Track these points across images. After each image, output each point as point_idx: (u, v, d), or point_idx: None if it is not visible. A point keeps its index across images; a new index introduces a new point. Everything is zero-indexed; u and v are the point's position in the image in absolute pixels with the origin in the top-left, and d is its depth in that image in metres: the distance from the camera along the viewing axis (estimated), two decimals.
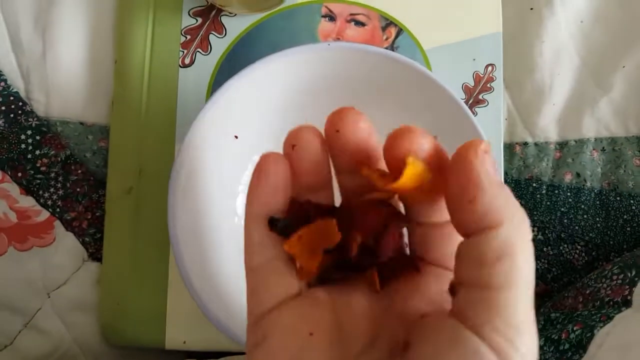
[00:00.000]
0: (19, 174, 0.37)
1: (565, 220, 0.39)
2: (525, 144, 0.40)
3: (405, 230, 0.21)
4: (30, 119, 0.37)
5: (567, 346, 0.31)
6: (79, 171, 0.37)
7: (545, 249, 0.39)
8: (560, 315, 0.35)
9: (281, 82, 0.31)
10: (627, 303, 0.32)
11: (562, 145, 0.40)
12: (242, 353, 0.30)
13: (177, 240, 0.29)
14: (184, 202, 0.30)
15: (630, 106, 0.39)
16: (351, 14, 0.37)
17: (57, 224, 0.37)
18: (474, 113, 0.37)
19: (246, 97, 0.31)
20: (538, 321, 0.36)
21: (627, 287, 0.32)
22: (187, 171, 0.30)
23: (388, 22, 0.37)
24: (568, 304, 0.36)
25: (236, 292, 0.32)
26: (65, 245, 0.37)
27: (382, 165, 0.21)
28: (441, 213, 0.20)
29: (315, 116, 0.34)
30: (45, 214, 0.37)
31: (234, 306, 0.31)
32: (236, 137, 0.33)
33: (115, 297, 0.36)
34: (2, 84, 0.37)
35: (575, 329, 0.32)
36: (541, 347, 0.33)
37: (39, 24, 0.37)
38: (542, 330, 0.35)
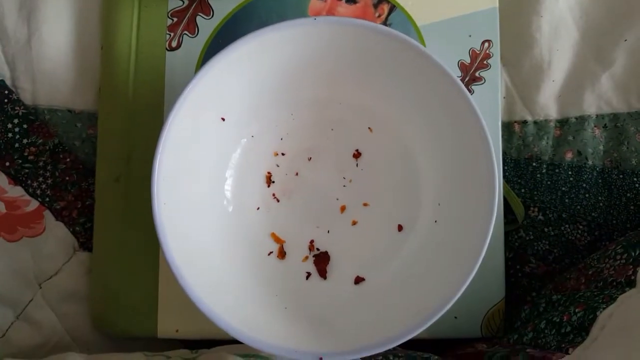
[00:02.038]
0: (7, 164, 0.36)
1: (567, 200, 0.38)
2: (524, 122, 0.39)
3: None
4: (17, 108, 0.37)
5: (568, 329, 0.31)
6: (68, 159, 0.37)
7: (546, 229, 0.38)
8: (562, 297, 0.34)
9: (268, 60, 0.31)
10: (631, 283, 0.31)
11: (562, 122, 0.38)
12: (235, 341, 0.29)
13: (163, 226, 0.28)
14: (168, 188, 0.29)
15: (632, 81, 0.38)
16: None
17: (47, 213, 0.36)
18: (470, 91, 0.36)
19: (230, 77, 0.30)
20: (539, 304, 0.35)
21: (631, 266, 0.31)
22: (170, 155, 0.29)
23: None
24: (570, 286, 0.35)
25: (226, 277, 0.31)
26: (56, 235, 0.36)
27: None
28: None
29: (304, 95, 0.33)
30: (34, 204, 0.36)
31: (224, 292, 0.30)
32: (223, 119, 0.32)
33: (106, 286, 0.35)
34: None
35: (577, 310, 0.31)
36: (542, 330, 0.32)
37: (23, 11, 0.37)
38: (543, 313, 0.34)
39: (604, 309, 0.30)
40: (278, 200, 0.34)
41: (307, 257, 0.34)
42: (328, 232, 0.34)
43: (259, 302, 0.31)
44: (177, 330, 0.35)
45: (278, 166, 0.34)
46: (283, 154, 0.34)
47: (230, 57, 0.29)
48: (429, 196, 0.33)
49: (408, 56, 0.30)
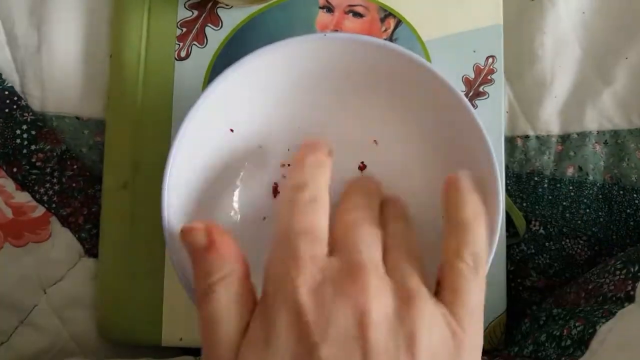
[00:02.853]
0: (15, 169, 0.36)
1: (568, 215, 0.39)
2: (527, 137, 0.39)
3: None
4: (26, 114, 0.37)
5: (568, 342, 0.31)
6: (75, 166, 0.37)
7: (547, 243, 0.39)
8: (562, 311, 0.34)
9: (277, 74, 0.31)
10: (630, 298, 0.31)
11: (564, 138, 0.39)
12: None
13: (171, 236, 0.28)
14: (177, 198, 0.29)
15: (633, 98, 0.38)
16: (349, 5, 0.37)
17: (53, 219, 0.37)
18: (474, 106, 0.36)
19: (241, 89, 0.31)
20: (540, 317, 0.35)
21: (630, 282, 0.32)
22: (180, 166, 0.29)
23: (387, 14, 0.37)
24: (570, 300, 0.35)
25: None
26: (62, 241, 0.37)
27: None
28: None
29: (311, 108, 0.34)
30: (41, 210, 0.37)
31: None
32: (232, 130, 0.32)
33: (112, 293, 0.35)
34: None
35: (577, 324, 0.31)
36: (542, 344, 0.32)
37: (33, 18, 0.37)
38: (543, 326, 0.34)
39: (603, 323, 0.30)
40: None
41: None
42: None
43: None
44: (181, 339, 0.35)
45: (284, 177, 0.35)
46: (289, 165, 0.35)
47: (243, 70, 0.29)
48: (434, 209, 0.33)
49: (413, 72, 0.31)
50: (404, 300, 0.23)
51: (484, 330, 0.35)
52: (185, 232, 0.26)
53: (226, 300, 0.24)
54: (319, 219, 0.25)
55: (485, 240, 0.26)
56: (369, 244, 0.25)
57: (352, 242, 0.25)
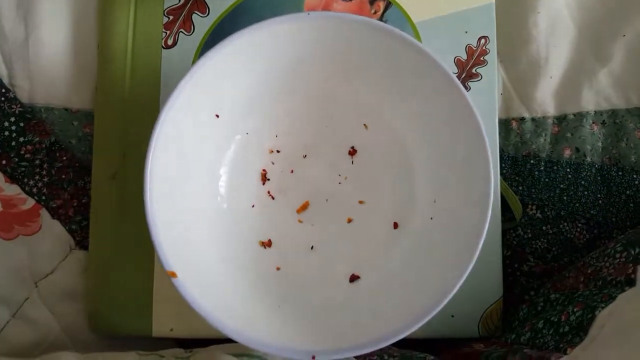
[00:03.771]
0: (4, 162, 0.36)
1: (565, 198, 0.38)
2: (522, 119, 0.38)
3: None
4: (14, 106, 0.37)
5: (567, 328, 0.30)
6: (64, 158, 0.37)
7: (544, 227, 0.38)
8: (560, 296, 0.33)
9: (262, 55, 0.30)
10: (630, 282, 0.30)
11: (560, 119, 0.38)
12: (229, 341, 0.29)
13: (154, 222, 0.28)
14: (162, 184, 0.29)
15: (631, 76, 0.37)
16: None
17: (43, 211, 0.36)
18: (467, 88, 0.35)
19: (225, 72, 0.30)
20: (537, 303, 0.34)
21: (631, 265, 0.31)
22: (164, 152, 0.29)
23: None
24: (569, 284, 0.34)
25: (219, 275, 0.31)
26: (52, 234, 0.36)
27: None
28: None
29: (299, 92, 0.33)
30: (30, 202, 0.36)
31: (219, 290, 0.30)
32: (217, 115, 0.32)
33: (102, 285, 0.35)
34: None
35: (575, 310, 0.30)
36: (540, 330, 0.31)
37: (20, 10, 0.37)
38: (541, 312, 0.33)
39: (602, 308, 0.29)
40: (273, 198, 0.34)
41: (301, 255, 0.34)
42: (323, 229, 0.34)
43: (253, 301, 0.31)
44: (171, 330, 0.35)
45: (273, 163, 0.34)
46: (278, 151, 0.34)
47: (224, 52, 0.29)
48: (425, 193, 0.33)
49: (403, 52, 0.30)
50: None
51: (480, 317, 0.35)
52: None
53: None
54: None
55: None
56: None
57: None
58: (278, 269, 0.33)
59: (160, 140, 0.28)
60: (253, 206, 0.34)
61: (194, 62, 0.36)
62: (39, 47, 0.37)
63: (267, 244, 0.34)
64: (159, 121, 0.28)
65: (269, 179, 0.34)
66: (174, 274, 0.28)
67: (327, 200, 0.34)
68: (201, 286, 0.29)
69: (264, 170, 0.34)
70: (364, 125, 0.34)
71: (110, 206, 0.35)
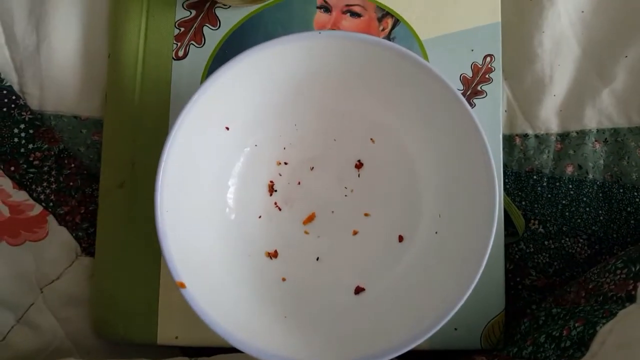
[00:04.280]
0: (12, 168, 0.37)
1: (567, 213, 0.38)
2: (526, 135, 0.39)
3: None
4: (24, 113, 0.37)
5: (568, 343, 0.30)
6: (73, 165, 0.37)
7: (546, 242, 0.38)
8: (561, 310, 0.34)
9: (272, 72, 0.31)
10: (631, 298, 0.31)
11: (563, 136, 0.39)
12: (234, 350, 0.29)
13: (165, 233, 0.28)
14: (172, 196, 0.29)
15: (633, 96, 0.38)
16: (347, 5, 0.37)
17: (51, 218, 0.37)
18: (472, 104, 0.36)
19: (235, 88, 0.31)
20: (539, 317, 0.35)
21: (632, 281, 0.31)
22: (175, 163, 0.29)
23: (384, 13, 0.37)
24: (570, 299, 0.35)
25: (226, 285, 0.31)
26: (59, 240, 0.37)
27: None
28: None
29: (308, 106, 0.34)
30: (38, 208, 0.37)
31: (226, 301, 0.30)
32: (227, 128, 0.32)
33: (108, 292, 0.35)
34: None
35: (577, 325, 0.31)
36: (542, 344, 0.32)
37: (32, 18, 0.37)
38: (542, 326, 0.34)
39: (604, 324, 0.29)
40: (280, 209, 0.35)
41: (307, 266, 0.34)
42: (329, 241, 0.34)
43: (258, 311, 0.31)
44: (176, 337, 0.35)
45: (281, 175, 0.35)
46: (286, 163, 0.35)
47: (237, 68, 0.29)
48: (430, 207, 0.33)
49: (410, 70, 0.31)
50: None
51: (483, 330, 0.35)
52: None
53: None
54: None
55: None
56: None
57: None
58: (284, 279, 0.33)
59: (172, 152, 0.29)
60: (260, 217, 0.34)
61: (204, 74, 0.36)
62: (50, 55, 0.37)
63: (273, 255, 0.34)
64: (171, 135, 0.28)
65: (276, 190, 0.35)
66: (183, 285, 0.28)
67: (333, 212, 0.35)
68: (208, 296, 0.29)
69: (271, 181, 0.34)
70: (371, 139, 0.35)
71: (118, 215, 0.36)
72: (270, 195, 0.34)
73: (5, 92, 0.37)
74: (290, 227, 0.34)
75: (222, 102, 0.31)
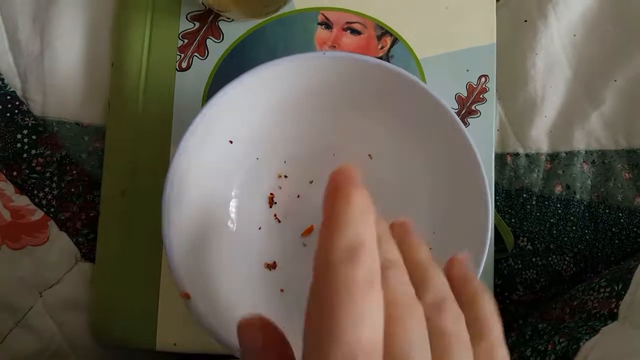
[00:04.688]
0: (14, 173, 0.37)
1: (555, 231, 0.40)
2: (517, 154, 0.40)
3: None
4: (27, 119, 0.37)
5: (552, 357, 0.32)
6: (74, 171, 0.38)
7: (534, 259, 0.40)
8: (547, 326, 0.35)
9: (276, 90, 0.32)
10: (613, 316, 0.32)
11: (552, 156, 0.40)
12: (232, 357, 0.30)
13: (171, 244, 0.29)
14: (177, 207, 0.30)
15: (620, 120, 0.39)
16: (347, 22, 0.37)
17: (51, 223, 0.37)
18: (466, 123, 0.37)
19: (241, 104, 0.31)
20: (525, 331, 0.36)
21: (614, 300, 0.33)
22: (181, 176, 0.30)
23: (384, 31, 0.38)
24: (555, 315, 0.36)
25: (227, 294, 0.32)
26: (59, 245, 0.37)
27: None
28: None
29: (308, 122, 0.35)
30: (39, 214, 0.37)
31: (226, 310, 0.31)
32: (231, 142, 0.33)
33: (107, 297, 0.36)
34: None
35: (561, 340, 0.32)
36: (527, 358, 0.33)
37: (37, 24, 0.38)
38: (528, 341, 0.35)
39: (587, 340, 0.31)
40: (279, 221, 0.35)
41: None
42: None
43: None
44: (175, 344, 0.35)
45: (281, 188, 0.35)
46: (286, 177, 0.36)
47: (242, 86, 0.30)
48: (425, 225, 0.34)
49: (407, 90, 0.32)
50: None
51: None
52: (242, 328, 0.23)
53: None
54: (379, 322, 0.18)
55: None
56: (421, 346, 0.19)
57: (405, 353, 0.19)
58: (282, 290, 0.34)
59: (179, 164, 0.29)
60: (260, 228, 0.35)
61: (207, 86, 0.37)
62: (53, 62, 0.37)
63: (272, 266, 0.35)
64: (179, 148, 0.29)
65: (276, 203, 0.35)
66: (188, 296, 0.29)
67: None
68: (210, 306, 0.30)
69: (271, 194, 0.35)
70: (369, 155, 0.36)
71: (119, 222, 0.36)
72: (270, 207, 0.35)
73: (8, 97, 0.37)
74: (289, 239, 0.35)
75: (227, 117, 0.31)
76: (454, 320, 0.21)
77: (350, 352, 0.17)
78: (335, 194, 0.19)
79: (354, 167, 0.20)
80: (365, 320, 0.17)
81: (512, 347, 0.36)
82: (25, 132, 0.37)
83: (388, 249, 0.22)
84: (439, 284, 0.23)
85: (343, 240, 0.18)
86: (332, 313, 0.17)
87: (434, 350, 0.20)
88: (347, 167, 0.20)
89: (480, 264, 0.31)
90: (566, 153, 0.40)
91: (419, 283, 0.22)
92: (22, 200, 0.37)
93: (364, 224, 0.19)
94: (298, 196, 0.36)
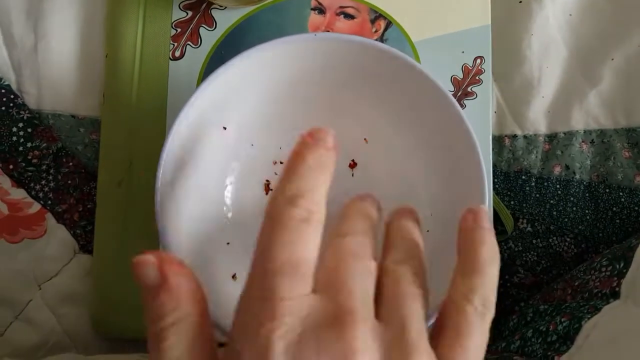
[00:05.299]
0: (11, 167, 0.37)
1: (555, 213, 0.39)
2: (514, 136, 0.40)
3: None
4: (22, 112, 0.37)
5: (554, 337, 0.32)
6: (71, 164, 0.38)
7: (534, 241, 0.39)
8: (548, 307, 0.35)
9: (269, 73, 0.32)
10: (615, 295, 0.32)
11: (551, 137, 0.40)
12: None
13: (165, 233, 0.29)
14: (171, 194, 0.30)
15: (618, 98, 0.39)
16: (340, 7, 0.37)
17: (49, 216, 0.37)
18: (462, 105, 0.37)
19: (233, 88, 0.31)
20: (527, 313, 0.36)
21: (616, 278, 0.32)
22: (174, 163, 0.30)
23: (377, 15, 0.37)
24: (557, 296, 0.36)
25: (225, 282, 0.32)
26: (57, 237, 0.37)
27: None
28: None
29: (303, 106, 0.34)
30: (36, 206, 0.37)
31: (223, 297, 0.31)
32: (225, 128, 0.33)
33: (105, 288, 0.36)
34: None
35: (563, 320, 0.32)
36: (529, 339, 0.33)
37: (30, 17, 0.38)
38: (530, 322, 0.35)
39: (588, 319, 0.31)
40: None
41: None
42: (323, 239, 0.35)
43: None
44: None
45: (276, 174, 0.35)
46: (281, 163, 0.35)
47: (235, 69, 0.30)
48: (421, 207, 0.34)
49: (402, 72, 0.31)
50: (399, 356, 0.20)
51: None
52: (137, 267, 0.22)
53: (178, 349, 0.21)
54: (309, 247, 0.21)
55: (496, 284, 0.24)
56: (362, 282, 0.22)
57: (342, 279, 0.21)
58: None
59: (170, 152, 0.29)
60: (256, 215, 0.35)
61: (200, 73, 0.37)
62: (47, 55, 0.37)
63: None
64: (170, 134, 0.29)
65: (271, 189, 0.35)
66: None
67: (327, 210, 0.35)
68: (208, 294, 0.30)
69: (267, 180, 0.35)
70: (364, 139, 0.35)
71: (116, 213, 0.36)
72: (266, 194, 0.35)
73: (3, 90, 0.37)
74: None
75: (219, 104, 0.31)
76: (409, 270, 0.23)
77: (278, 267, 0.20)
78: (295, 152, 0.23)
79: (325, 130, 0.24)
80: (294, 245, 0.21)
81: (513, 329, 0.36)
82: (20, 125, 0.37)
83: (356, 223, 0.25)
84: (410, 246, 0.25)
85: (288, 190, 0.22)
86: (268, 239, 0.21)
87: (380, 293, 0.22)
88: (317, 130, 0.24)
89: None
90: (564, 133, 0.40)
91: (388, 248, 0.25)
92: (19, 194, 0.37)
93: (311, 179, 0.22)
94: None
